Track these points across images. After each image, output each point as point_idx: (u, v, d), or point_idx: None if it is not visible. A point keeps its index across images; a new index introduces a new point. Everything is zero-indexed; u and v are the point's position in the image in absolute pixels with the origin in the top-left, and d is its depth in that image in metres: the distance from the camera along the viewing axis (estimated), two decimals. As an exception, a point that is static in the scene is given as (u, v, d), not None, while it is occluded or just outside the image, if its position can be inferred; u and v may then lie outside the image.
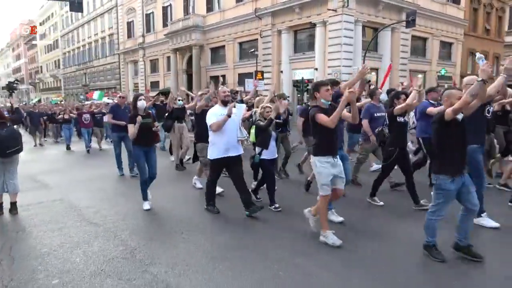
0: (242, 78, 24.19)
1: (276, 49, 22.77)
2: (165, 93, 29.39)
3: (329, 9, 19.02)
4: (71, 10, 14.24)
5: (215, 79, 27.69)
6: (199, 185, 6.42)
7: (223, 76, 26.60)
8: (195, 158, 6.51)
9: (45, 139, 16.30)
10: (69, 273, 3.40)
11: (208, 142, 5.44)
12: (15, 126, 5.96)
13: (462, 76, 26.31)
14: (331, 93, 3.96)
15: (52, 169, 9.07)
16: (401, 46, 21.95)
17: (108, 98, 32.26)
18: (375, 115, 6.12)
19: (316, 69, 20.68)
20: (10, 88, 38.30)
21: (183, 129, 8.55)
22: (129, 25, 37.49)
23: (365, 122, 6.13)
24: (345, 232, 4.22)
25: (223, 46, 26.79)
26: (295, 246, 3.95)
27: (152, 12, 33.72)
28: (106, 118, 10.83)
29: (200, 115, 5.80)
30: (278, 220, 4.81)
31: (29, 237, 4.37)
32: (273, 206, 5.18)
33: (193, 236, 4.29)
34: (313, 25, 20.60)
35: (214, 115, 4.79)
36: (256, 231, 4.47)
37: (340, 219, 4.63)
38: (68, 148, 12.80)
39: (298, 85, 19.36)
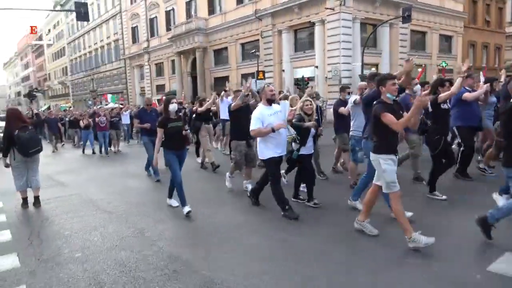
0: (245, 78, 24.80)
1: (277, 48, 23.38)
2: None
3: (327, 8, 19.57)
4: (77, 19, 14.98)
5: (218, 80, 28.48)
6: (228, 184, 6.35)
7: (227, 78, 27.38)
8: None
9: (63, 143, 16.76)
10: (89, 249, 4.06)
11: (243, 140, 5.83)
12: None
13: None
14: (397, 87, 3.84)
15: (66, 169, 9.80)
16: (400, 41, 22.39)
17: (116, 103, 33.16)
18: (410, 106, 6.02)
19: (317, 67, 21.26)
20: (30, 96, 41.01)
21: (211, 130, 9.02)
22: (134, 30, 38.41)
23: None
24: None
25: (226, 48, 27.47)
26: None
27: (156, 17, 34.56)
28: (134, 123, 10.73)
29: (236, 113, 5.98)
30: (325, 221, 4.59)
31: (52, 224, 5.06)
32: (312, 202, 5.13)
33: (197, 215, 4.93)
34: (312, 24, 21.16)
35: (261, 116, 4.63)
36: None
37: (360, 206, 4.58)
38: (93, 152, 12.97)
39: (299, 83, 19.92)
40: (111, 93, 44.48)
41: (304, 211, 4.92)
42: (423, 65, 13.65)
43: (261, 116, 4.63)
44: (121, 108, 16.94)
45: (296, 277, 3.19)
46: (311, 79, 21.34)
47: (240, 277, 3.22)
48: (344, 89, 6.88)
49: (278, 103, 5.21)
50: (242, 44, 26.26)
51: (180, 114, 5.58)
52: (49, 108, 53.18)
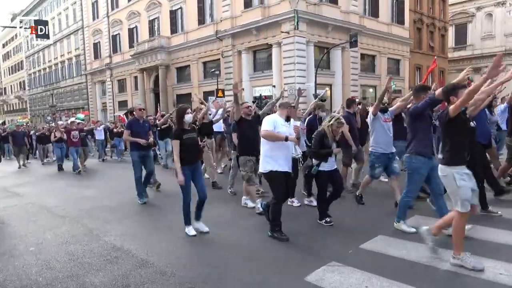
0: (206, 95, 25.66)
1: (237, 68, 24.51)
2: (132, 112, 30.54)
3: (282, 32, 20.98)
4: (37, 37, 15.31)
5: (181, 97, 29.19)
6: (250, 204, 5.93)
7: (189, 95, 28.14)
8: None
9: (29, 161, 15.47)
10: (42, 244, 4.70)
11: (251, 155, 5.55)
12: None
13: (411, 89, 28.95)
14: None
15: (23, 183, 10.14)
16: (351, 63, 24.15)
17: (75, 118, 32.91)
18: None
19: (274, 86, 22.52)
20: None
21: (213, 145, 8.37)
22: (96, 46, 38.47)
23: None
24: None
25: (188, 66, 28.31)
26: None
27: (119, 34, 34.94)
28: (124, 135, 8.21)
29: (240, 125, 5.73)
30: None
31: (8, 227, 5.61)
32: (324, 220, 4.94)
33: (138, 215, 5.65)
34: (270, 46, 22.50)
35: (273, 122, 4.42)
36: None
37: (412, 230, 4.34)
38: (60, 168, 12.09)
39: (256, 101, 21.03)
40: (71, 108, 43.96)
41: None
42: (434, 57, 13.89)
43: (275, 122, 4.43)
44: (94, 123, 16.72)
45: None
46: (269, 97, 22.56)
47: (171, 258, 4.01)
48: (352, 102, 6.86)
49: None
50: (204, 63, 27.21)
51: (194, 125, 5.06)
52: (4, 123, 51.35)
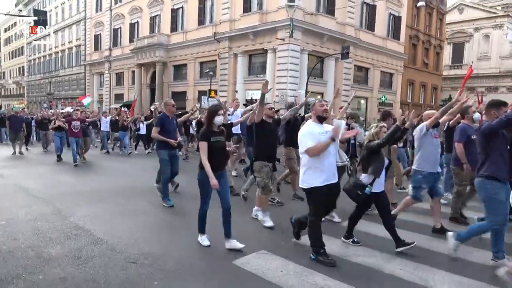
0: (201, 95, 26.22)
1: (232, 70, 25.08)
2: (128, 105, 31.04)
3: (278, 38, 21.58)
4: (35, 25, 15.83)
5: (176, 94, 29.72)
6: (262, 217, 5.27)
7: (185, 93, 28.73)
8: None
9: (28, 148, 15.16)
10: (12, 220, 5.19)
11: (268, 161, 5.16)
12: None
13: (402, 103, 29.66)
14: None
15: (9, 165, 10.62)
16: (344, 74, 24.78)
17: (71, 108, 33.36)
18: (472, 137, 5.06)
19: (271, 89, 23.06)
20: None
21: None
22: (97, 38, 39.00)
23: (459, 146, 5.41)
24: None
25: (185, 64, 28.88)
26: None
27: (120, 28, 35.49)
28: (152, 132, 6.61)
29: (260, 127, 5.16)
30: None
31: (-15, 204, 6.10)
32: (351, 240, 4.50)
33: (110, 203, 6.15)
34: (265, 51, 23.09)
35: (310, 134, 3.87)
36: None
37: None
38: (59, 158, 11.58)
39: (247, 104, 21.55)
40: (67, 97, 44.39)
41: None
42: (471, 64, 13.87)
43: (311, 134, 3.88)
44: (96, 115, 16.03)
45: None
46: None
47: (124, 238, 4.51)
48: (388, 115, 6.10)
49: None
50: (201, 63, 27.77)
51: (223, 127, 4.55)
52: (0, 107, 51.67)
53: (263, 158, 5.17)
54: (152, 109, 8.92)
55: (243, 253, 4.10)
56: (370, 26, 26.51)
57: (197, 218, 4.41)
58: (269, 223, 5.13)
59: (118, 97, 36.45)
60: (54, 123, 11.78)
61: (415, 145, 5.12)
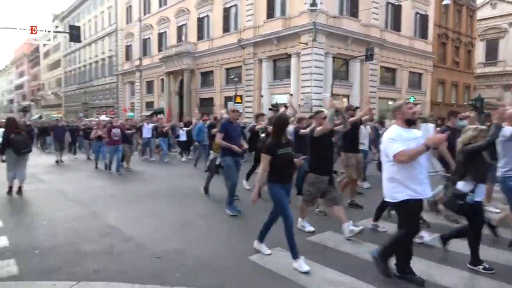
0: (227, 101, 26.85)
1: (257, 75, 25.50)
2: (158, 113, 32.19)
3: (301, 43, 21.81)
4: (70, 40, 16.92)
5: (204, 101, 30.53)
6: (300, 223, 5.25)
7: (212, 99, 29.45)
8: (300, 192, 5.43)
9: (76, 156, 15.69)
10: (53, 221, 5.76)
11: (325, 175, 4.86)
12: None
13: (432, 104, 29.05)
14: None
15: (49, 171, 11.46)
16: (369, 76, 24.61)
17: (106, 116, 34.96)
18: None
19: (291, 94, 23.28)
20: (24, 110, 43.76)
21: None
22: (128, 48, 40.67)
23: None
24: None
25: (212, 71, 29.61)
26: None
27: (149, 38, 36.86)
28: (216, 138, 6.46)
29: (319, 140, 4.90)
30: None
31: (29, 205, 6.75)
32: (482, 266, 3.86)
33: (139, 205, 6.63)
34: (289, 56, 23.34)
35: (400, 139, 3.42)
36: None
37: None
38: (106, 167, 11.32)
39: (273, 108, 21.89)
40: (101, 106, 46.37)
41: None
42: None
43: (401, 139, 3.44)
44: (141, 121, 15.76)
45: (186, 239, 4.90)
46: (285, 105, 23.41)
47: (151, 236, 4.93)
48: (454, 114, 5.92)
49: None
50: (227, 69, 28.39)
51: (290, 138, 4.39)
52: (40, 117, 54.68)
53: (320, 172, 4.89)
54: (219, 117, 8.78)
55: (259, 249, 4.41)
56: (396, 26, 26.20)
57: (218, 218, 4.75)
58: (309, 228, 5.16)
59: (149, 104, 37.77)
60: (96, 133, 11.97)
61: (499, 149, 4.65)
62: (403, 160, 3.34)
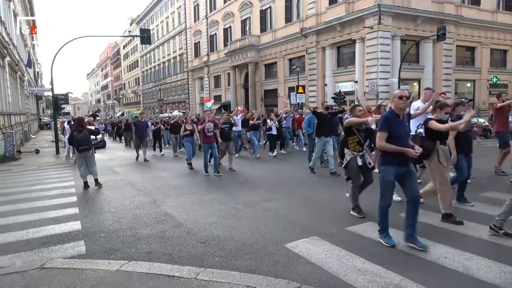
0: (290, 91, 26.88)
1: (321, 64, 25.14)
2: (225, 106, 33.38)
3: (365, 27, 20.99)
4: (142, 43, 18.30)
5: (268, 92, 30.95)
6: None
7: (276, 90, 29.75)
8: None
9: (162, 153, 15.12)
10: (120, 208, 6.49)
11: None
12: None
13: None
14: None
15: (122, 164, 12.71)
16: (444, 56, 22.86)
17: (178, 111, 37.18)
18: None
19: (356, 81, 22.65)
20: (94, 116, 49.29)
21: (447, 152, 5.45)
22: (196, 45, 42.60)
23: None
24: None
25: (275, 63, 29.85)
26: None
27: (215, 34, 38.20)
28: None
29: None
30: None
31: (101, 194, 7.66)
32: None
33: (194, 195, 7.16)
34: (353, 41, 22.63)
35: None
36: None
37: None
38: (189, 166, 10.74)
39: (336, 97, 21.50)
40: (174, 102, 49.25)
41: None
42: None
43: None
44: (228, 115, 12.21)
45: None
46: (350, 93, 22.85)
47: (199, 223, 5.36)
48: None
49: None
50: (290, 60, 28.43)
51: None
52: (123, 114, 59.96)
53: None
54: (382, 107, 7.85)
55: (294, 237, 4.58)
56: (475, 0, 23.88)
57: (260, 208, 4.97)
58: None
59: (217, 98, 39.29)
60: (185, 129, 10.88)
61: None
62: None
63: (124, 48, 74.37)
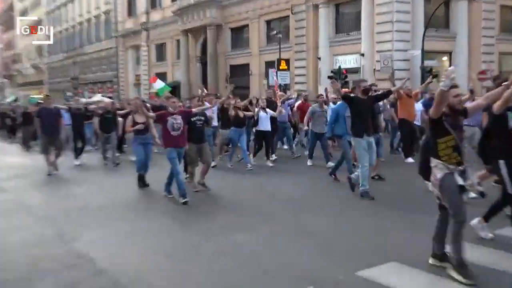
0: (268, 67, 26.71)
1: (312, 29, 25.17)
2: (173, 88, 32.77)
3: (376, -24, 21.14)
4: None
5: (236, 69, 30.63)
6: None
7: (247, 65, 29.52)
8: None
9: (78, 162, 13.31)
10: (5, 246, 5.97)
11: None
12: None
13: None
14: None
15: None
16: (483, 21, 23.39)
17: (101, 95, 36.26)
18: None
19: (363, 54, 22.78)
20: None
21: None
22: (130, 0, 41.84)
23: None
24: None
25: (246, 26, 29.70)
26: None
27: (158, -18, 37.66)
28: None
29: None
30: None
31: None
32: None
33: (126, 222, 6.75)
34: (358, -3, 22.78)
35: None
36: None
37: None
38: (141, 181, 9.57)
39: (334, 76, 21.46)
40: (96, 82, 48.13)
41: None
42: None
43: None
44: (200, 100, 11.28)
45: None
46: (353, 70, 22.92)
47: (132, 270, 4.96)
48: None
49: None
50: (268, 22, 28.32)
51: None
52: (16, 100, 57.96)
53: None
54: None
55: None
56: None
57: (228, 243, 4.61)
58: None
59: (160, 76, 38.46)
60: (133, 121, 9.70)
61: None
62: None
63: (20, 1, 71.99)
